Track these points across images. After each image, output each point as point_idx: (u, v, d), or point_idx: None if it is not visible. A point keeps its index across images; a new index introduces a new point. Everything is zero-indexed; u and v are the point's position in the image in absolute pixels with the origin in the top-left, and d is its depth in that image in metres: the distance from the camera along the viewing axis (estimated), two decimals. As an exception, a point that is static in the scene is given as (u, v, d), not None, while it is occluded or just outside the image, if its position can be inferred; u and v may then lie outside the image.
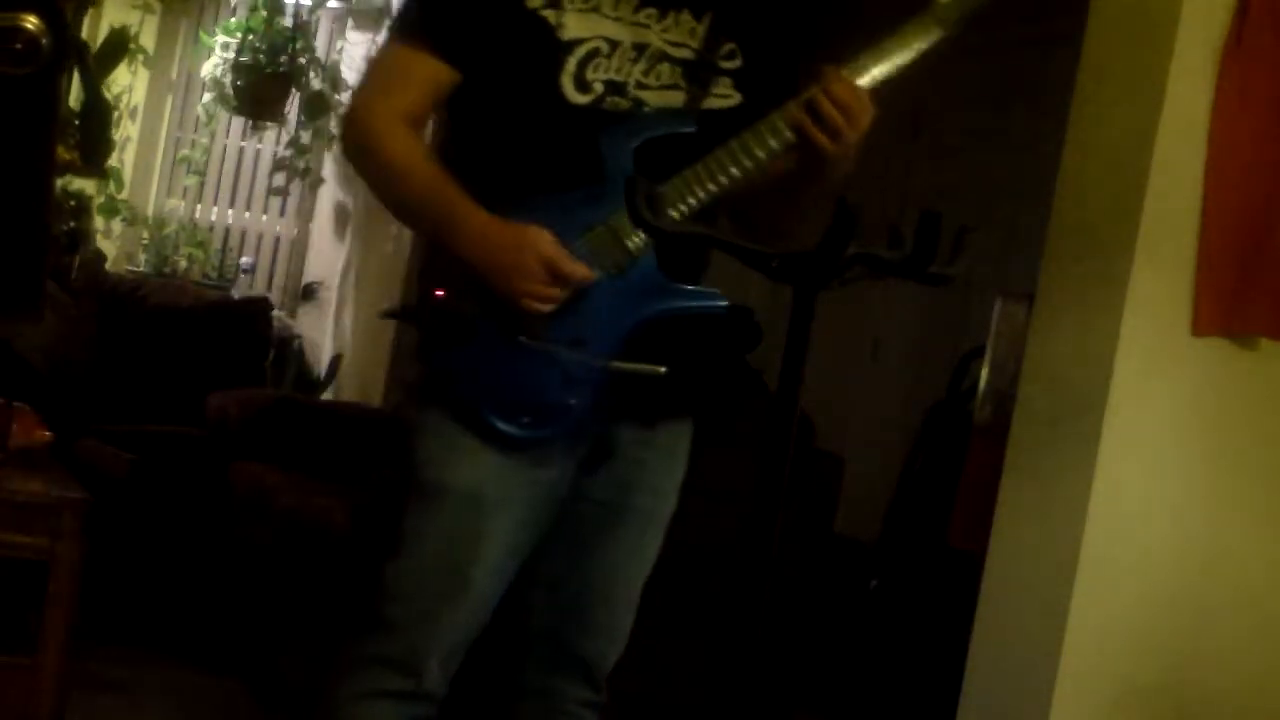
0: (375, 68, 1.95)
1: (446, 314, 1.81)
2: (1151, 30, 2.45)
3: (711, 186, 1.76)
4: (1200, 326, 2.45)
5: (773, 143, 1.75)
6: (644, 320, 1.80)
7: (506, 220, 1.77)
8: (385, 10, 5.84)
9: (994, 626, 2.57)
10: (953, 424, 3.62)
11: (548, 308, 1.76)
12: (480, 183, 1.82)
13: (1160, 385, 2.45)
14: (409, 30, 1.87)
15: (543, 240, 1.75)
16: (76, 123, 4.65)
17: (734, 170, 1.76)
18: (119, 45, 5.43)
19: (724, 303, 1.83)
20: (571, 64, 1.81)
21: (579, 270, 1.75)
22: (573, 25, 1.81)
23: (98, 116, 4.67)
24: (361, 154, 1.89)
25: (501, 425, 1.80)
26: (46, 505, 2.62)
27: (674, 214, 1.75)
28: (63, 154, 4.64)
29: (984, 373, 3.18)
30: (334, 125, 5.90)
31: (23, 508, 2.61)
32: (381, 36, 5.81)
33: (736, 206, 1.91)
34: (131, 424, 4.17)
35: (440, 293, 1.82)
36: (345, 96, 5.90)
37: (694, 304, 1.83)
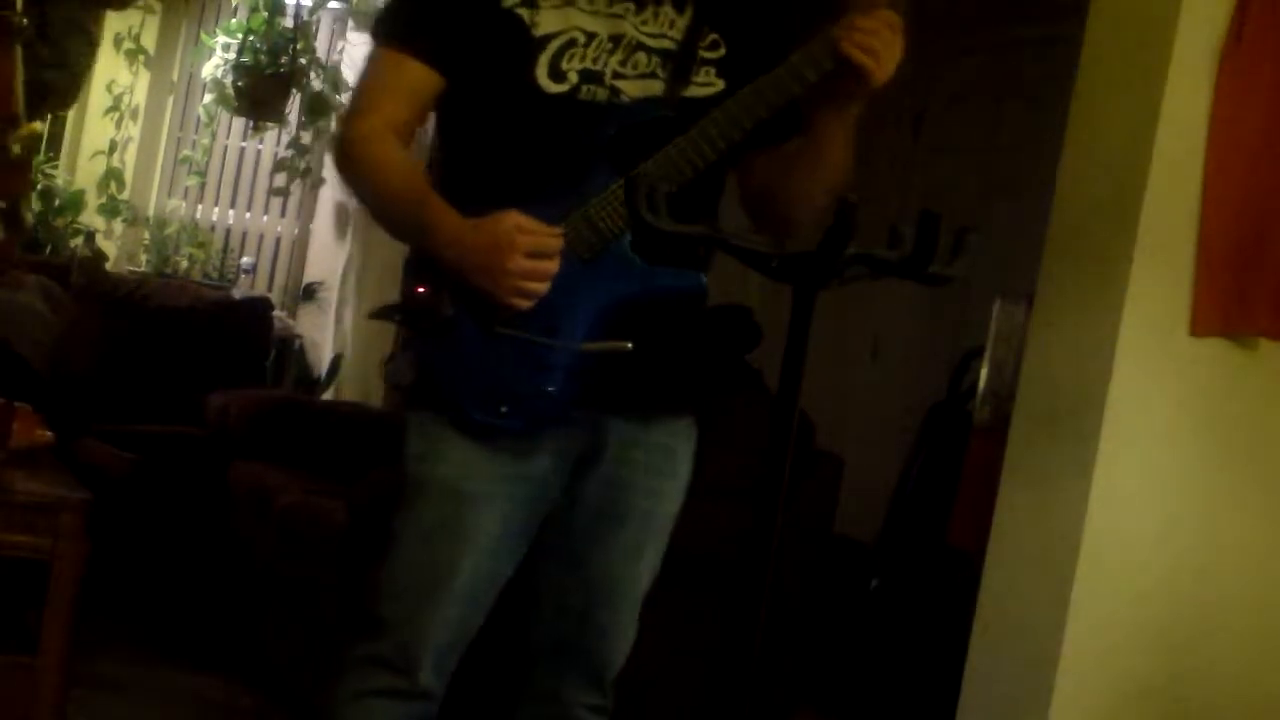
0: (362, 81, 1.97)
1: (426, 310, 1.82)
2: (1151, 30, 2.45)
3: (731, 136, 1.75)
4: (1199, 327, 2.45)
5: (809, 72, 1.74)
6: (614, 303, 1.80)
7: (478, 217, 1.77)
8: (385, 11, 5.84)
9: (994, 626, 2.57)
10: (952, 424, 3.62)
11: (529, 303, 1.76)
12: (467, 183, 1.84)
13: (1159, 385, 2.45)
14: (391, 38, 1.89)
15: (516, 229, 1.74)
16: None
17: (760, 109, 1.75)
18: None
19: (700, 282, 1.83)
20: (545, 57, 1.82)
21: (554, 239, 1.75)
22: (547, 21, 1.83)
23: None
24: (347, 167, 1.91)
25: (479, 415, 1.81)
26: (47, 505, 2.62)
27: (692, 162, 1.75)
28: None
29: (983, 373, 3.18)
30: (335, 126, 5.91)
31: (23, 508, 2.61)
32: (382, 37, 5.82)
33: (751, 190, 1.91)
34: (132, 424, 4.17)
35: (421, 289, 1.83)
36: (345, 97, 5.91)
37: (664, 284, 1.82)
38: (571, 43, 1.83)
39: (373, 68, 1.93)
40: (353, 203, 5.84)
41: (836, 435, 3.40)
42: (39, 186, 5.99)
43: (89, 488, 2.75)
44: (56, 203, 6.02)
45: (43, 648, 2.60)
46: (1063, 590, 2.42)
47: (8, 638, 2.69)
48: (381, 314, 1.91)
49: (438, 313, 1.81)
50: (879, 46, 1.72)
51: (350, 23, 6.03)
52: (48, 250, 5.68)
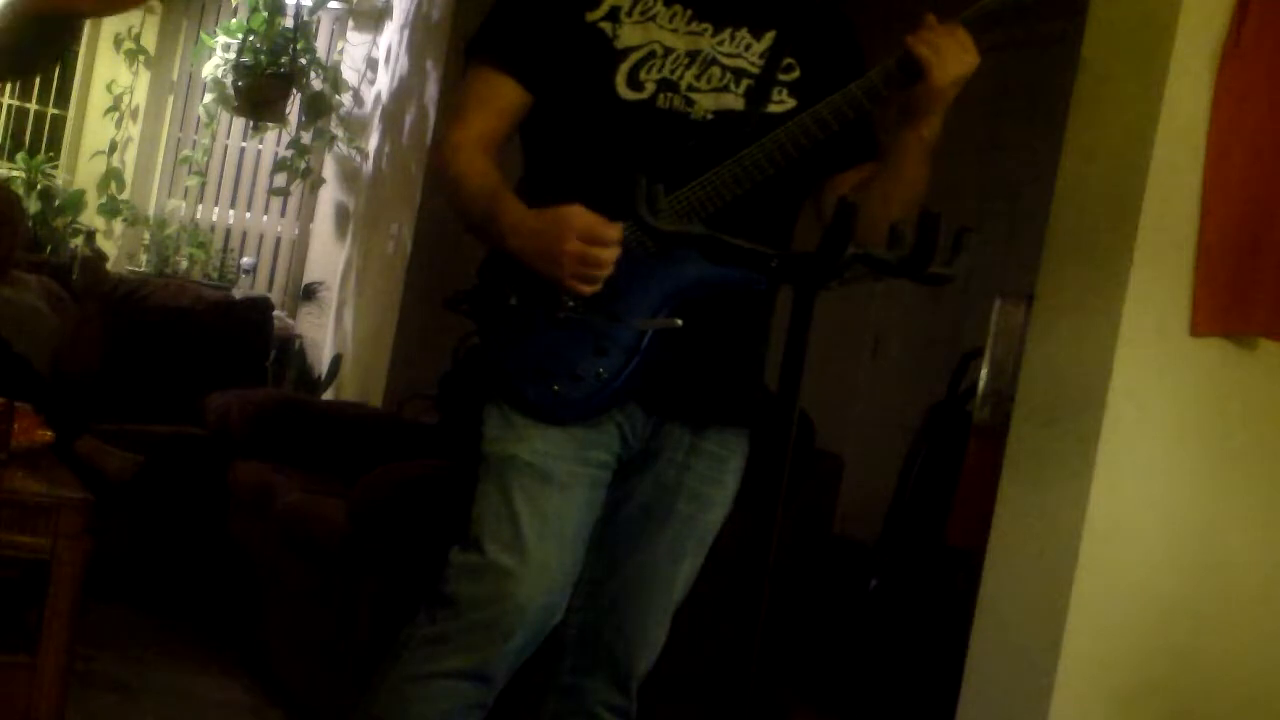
0: (458, 98, 2.04)
1: (493, 299, 1.91)
2: (1150, 31, 2.45)
3: (802, 143, 1.82)
4: (1199, 327, 2.45)
5: (879, 81, 1.81)
6: (676, 291, 1.86)
7: (544, 208, 1.84)
8: (386, 11, 5.85)
9: (993, 626, 2.57)
10: (952, 424, 3.62)
11: (592, 288, 1.81)
12: (551, 192, 1.89)
13: (1159, 385, 2.45)
14: (483, 55, 1.98)
15: (575, 215, 1.80)
16: None
17: (833, 120, 1.82)
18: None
19: (758, 277, 1.85)
20: (625, 67, 1.91)
21: (613, 229, 1.80)
22: (628, 35, 1.93)
23: None
24: (441, 180, 2.00)
25: (532, 393, 1.86)
26: (47, 505, 2.62)
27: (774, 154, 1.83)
28: None
29: (983, 373, 3.18)
30: (334, 126, 5.91)
31: (23, 508, 2.61)
32: (381, 37, 5.83)
33: (827, 213, 1.93)
34: (132, 424, 4.17)
35: (490, 280, 1.93)
36: (345, 97, 5.91)
37: (717, 275, 1.86)
38: (651, 55, 1.92)
39: (467, 83, 2.01)
40: (352, 202, 5.85)
41: (836, 435, 3.40)
42: (39, 187, 5.99)
43: (90, 488, 2.74)
44: (56, 203, 6.02)
45: (43, 648, 2.60)
46: (1063, 590, 2.42)
47: (8, 638, 2.69)
48: (452, 302, 1.98)
49: (504, 301, 1.90)
50: (944, 46, 1.79)
51: (350, 22, 6.03)
52: (48, 250, 5.68)
